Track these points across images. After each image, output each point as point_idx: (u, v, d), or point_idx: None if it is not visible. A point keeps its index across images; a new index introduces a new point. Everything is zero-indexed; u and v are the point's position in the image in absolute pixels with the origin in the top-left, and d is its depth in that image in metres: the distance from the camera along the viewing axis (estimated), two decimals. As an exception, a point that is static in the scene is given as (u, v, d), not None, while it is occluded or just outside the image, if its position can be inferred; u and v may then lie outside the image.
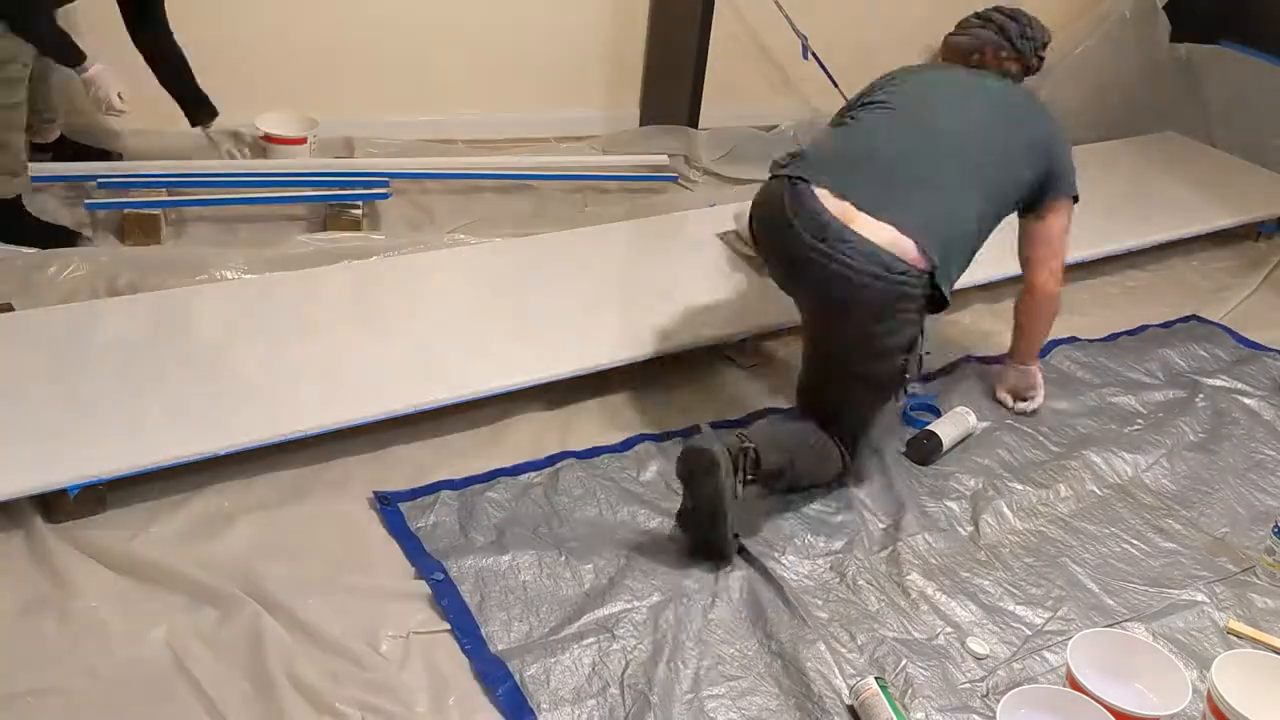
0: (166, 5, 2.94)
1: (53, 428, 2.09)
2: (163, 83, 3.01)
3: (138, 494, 2.08)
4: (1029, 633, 2.01)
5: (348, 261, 2.86)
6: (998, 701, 1.79)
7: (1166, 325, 3.10)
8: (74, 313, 2.47)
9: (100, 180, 3.01)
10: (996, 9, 2.47)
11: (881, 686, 1.79)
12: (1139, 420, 2.65)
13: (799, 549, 2.13)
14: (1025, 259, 2.47)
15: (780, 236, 2.14)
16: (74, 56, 2.74)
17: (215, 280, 2.74)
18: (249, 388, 2.26)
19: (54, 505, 2.00)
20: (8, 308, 2.49)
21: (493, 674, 1.79)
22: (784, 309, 2.75)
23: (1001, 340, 2.94)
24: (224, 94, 3.42)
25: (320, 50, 3.47)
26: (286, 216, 3.14)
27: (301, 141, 3.25)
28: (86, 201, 2.96)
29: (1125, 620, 2.05)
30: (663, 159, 3.70)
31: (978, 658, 1.95)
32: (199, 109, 3.09)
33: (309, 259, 2.88)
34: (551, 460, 2.30)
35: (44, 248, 2.78)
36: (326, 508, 2.12)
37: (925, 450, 2.42)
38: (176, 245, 2.96)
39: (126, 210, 2.94)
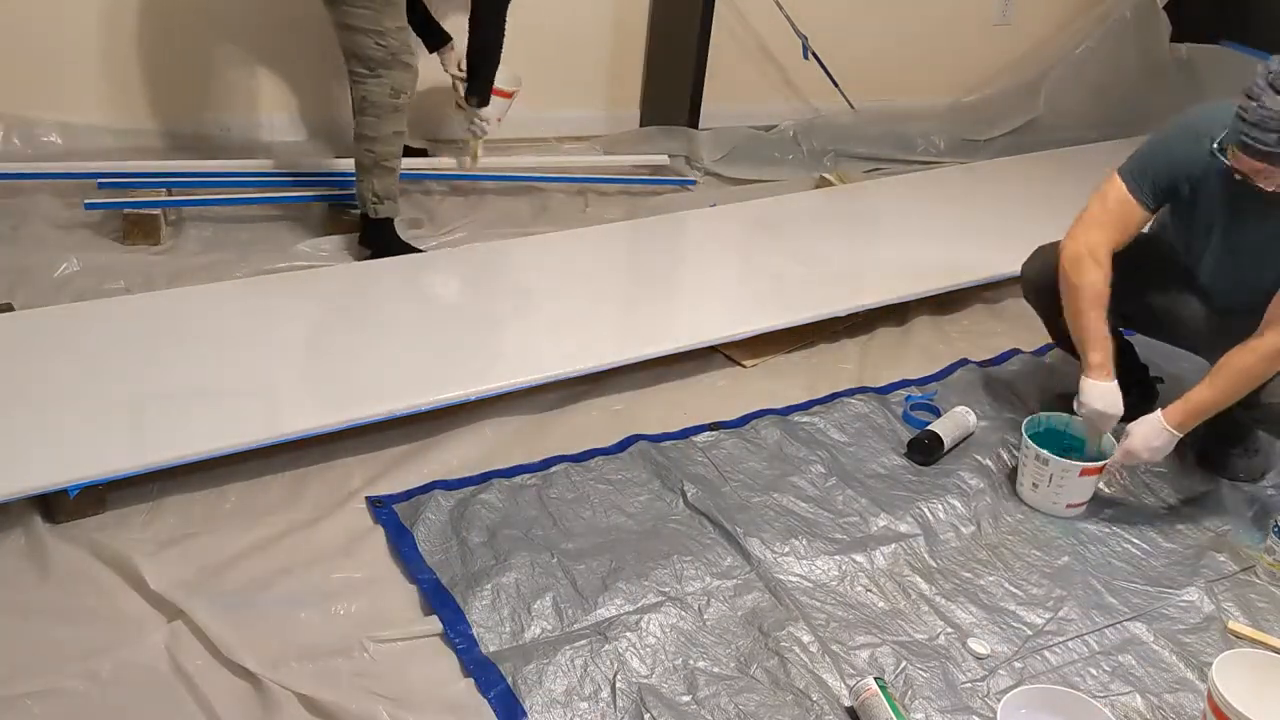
0: None
1: (53, 428, 2.09)
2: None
3: (138, 494, 2.08)
4: (1030, 633, 2.01)
5: (346, 262, 2.86)
6: (998, 701, 1.79)
7: (1167, 325, 3.10)
8: (74, 313, 2.47)
9: (100, 180, 3.01)
10: None
11: (881, 687, 1.78)
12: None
13: (798, 549, 2.13)
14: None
15: None
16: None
17: (214, 280, 2.74)
18: (248, 388, 2.26)
19: (54, 505, 2.00)
20: (8, 308, 2.49)
21: (485, 676, 1.79)
22: (780, 309, 2.76)
23: (1001, 340, 2.94)
24: (225, 92, 3.43)
25: (321, 49, 3.47)
26: (286, 217, 3.14)
27: (508, 95, 3.25)
28: (86, 202, 2.96)
29: (1126, 619, 2.05)
30: (663, 159, 3.70)
31: (978, 658, 1.94)
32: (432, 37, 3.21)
33: (308, 259, 2.89)
34: (545, 463, 2.29)
35: None
36: (324, 508, 2.12)
37: (926, 450, 2.42)
38: (176, 245, 2.96)
39: (126, 210, 2.93)
